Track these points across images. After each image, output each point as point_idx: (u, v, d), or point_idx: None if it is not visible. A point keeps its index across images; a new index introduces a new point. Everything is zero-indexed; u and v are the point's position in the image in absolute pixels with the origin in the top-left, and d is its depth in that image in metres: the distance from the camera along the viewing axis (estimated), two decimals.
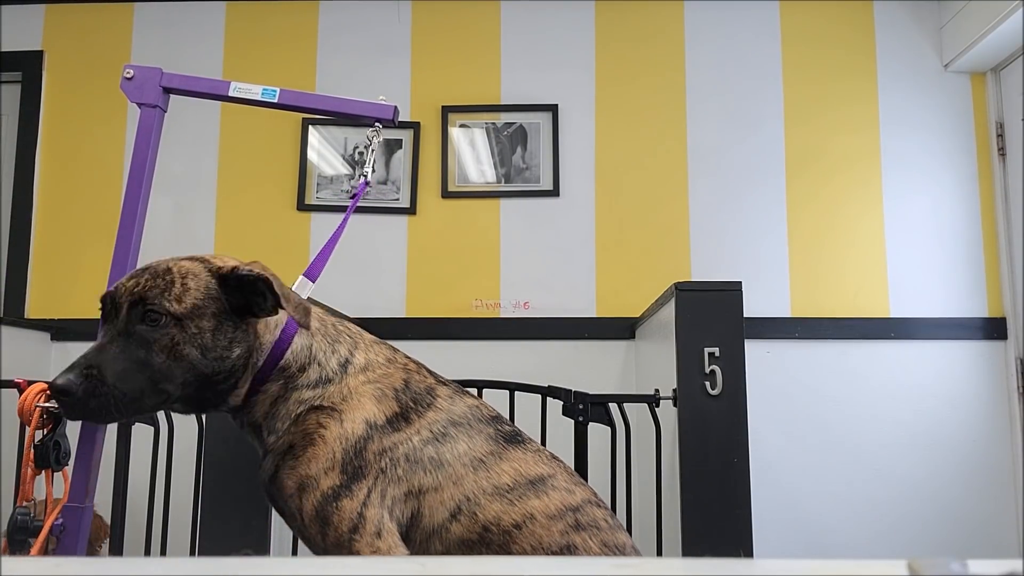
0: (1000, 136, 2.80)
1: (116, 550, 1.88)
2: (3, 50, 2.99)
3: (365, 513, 1.01)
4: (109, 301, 1.06)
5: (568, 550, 1.06)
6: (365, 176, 1.33)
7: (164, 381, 1.02)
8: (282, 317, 1.12)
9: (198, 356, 1.02)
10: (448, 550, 1.03)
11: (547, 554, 1.04)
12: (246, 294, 1.06)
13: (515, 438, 1.14)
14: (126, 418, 1.13)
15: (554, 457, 1.18)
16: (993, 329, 2.75)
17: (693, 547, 1.74)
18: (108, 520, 2.03)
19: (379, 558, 0.98)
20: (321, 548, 1.03)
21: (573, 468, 2.01)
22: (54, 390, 0.99)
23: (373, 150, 1.34)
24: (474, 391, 2.18)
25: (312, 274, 1.29)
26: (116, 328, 1.03)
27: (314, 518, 1.02)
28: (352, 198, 1.32)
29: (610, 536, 1.11)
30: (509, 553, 1.03)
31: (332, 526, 1.01)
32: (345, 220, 1.31)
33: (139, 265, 1.30)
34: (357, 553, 0.99)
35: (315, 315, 1.14)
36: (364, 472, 1.02)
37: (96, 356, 1.00)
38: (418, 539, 1.04)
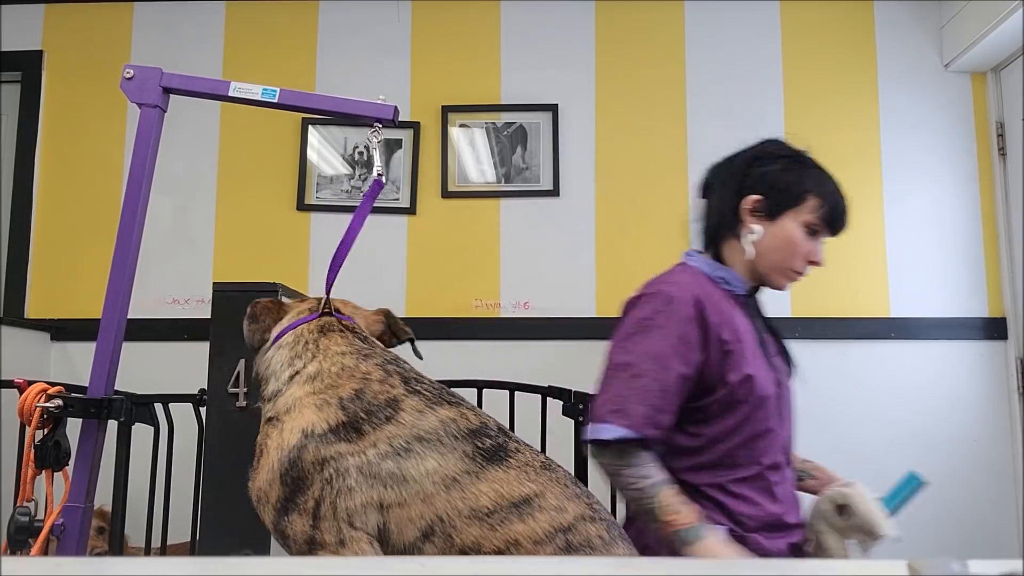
0: (1000, 136, 2.80)
1: (116, 550, 1.88)
2: (3, 50, 2.99)
3: (320, 526, 0.98)
4: None
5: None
6: (380, 176, 1.31)
7: None
8: (277, 330, 1.17)
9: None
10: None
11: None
12: None
13: (497, 454, 1.06)
14: None
15: (546, 467, 1.10)
16: (993, 329, 2.75)
17: None
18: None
19: (379, 558, 0.98)
20: None
21: (573, 469, 2.01)
22: None
23: (375, 149, 1.34)
24: (474, 391, 2.18)
25: (327, 287, 1.30)
26: None
27: (275, 531, 1.02)
28: (366, 197, 1.30)
29: (605, 555, 1.04)
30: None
31: (291, 539, 1.00)
32: (358, 224, 1.30)
33: (138, 266, 1.30)
34: None
35: (299, 331, 1.15)
36: (306, 483, 0.99)
37: None
38: (387, 545, 1.01)
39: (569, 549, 1.01)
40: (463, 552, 0.98)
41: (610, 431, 1.24)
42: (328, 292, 1.27)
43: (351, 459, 1.00)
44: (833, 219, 1.43)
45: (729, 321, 1.35)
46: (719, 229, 1.46)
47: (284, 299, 1.24)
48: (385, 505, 0.99)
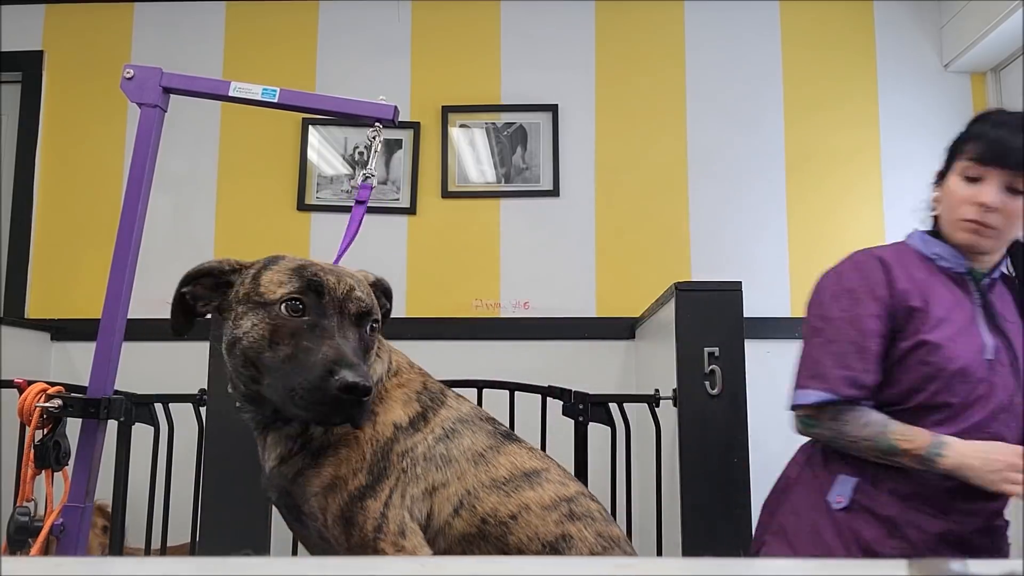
0: None
1: (116, 550, 1.89)
2: (3, 50, 2.99)
3: (387, 513, 1.03)
4: (332, 297, 1.04)
5: (563, 540, 1.08)
6: (368, 178, 1.32)
7: None
8: None
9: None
10: (450, 546, 1.05)
11: (543, 544, 1.07)
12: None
13: (511, 435, 1.19)
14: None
15: (547, 456, 1.21)
16: None
17: (693, 547, 1.74)
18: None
19: (379, 558, 0.98)
20: (344, 548, 1.03)
21: (573, 469, 2.01)
22: (358, 390, 0.93)
23: (376, 151, 1.34)
24: (474, 391, 2.18)
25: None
26: (349, 330, 1.03)
27: (338, 518, 1.03)
28: (358, 203, 1.31)
29: (604, 528, 1.13)
30: (506, 544, 1.05)
31: (357, 526, 1.02)
32: (355, 229, 1.31)
33: (138, 265, 1.30)
34: (381, 553, 1.00)
35: None
36: (387, 472, 1.05)
37: (355, 354, 0.99)
38: (428, 538, 1.06)
39: (572, 516, 1.10)
40: (483, 520, 1.06)
41: (809, 396, 1.34)
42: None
43: (419, 447, 1.08)
44: (989, 154, 1.32)
45: (923, 289, 1.36)
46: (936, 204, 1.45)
47: None
48: (435, 488, 1.07)
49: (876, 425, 1.29)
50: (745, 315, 1.88)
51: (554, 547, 1.07)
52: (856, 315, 1.35)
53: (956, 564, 0.48)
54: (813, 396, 1.34)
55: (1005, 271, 1.44)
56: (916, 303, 1.35)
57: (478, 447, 1.11)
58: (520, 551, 1.05)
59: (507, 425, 1.24)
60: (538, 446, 2.13)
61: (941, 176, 1.43)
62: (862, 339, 1.33)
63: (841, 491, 1.37)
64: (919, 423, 1.31)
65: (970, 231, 1.34)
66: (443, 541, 1.06)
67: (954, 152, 1.40)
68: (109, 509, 2.04)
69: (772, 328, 2.71)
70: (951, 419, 1.32)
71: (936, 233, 1.43)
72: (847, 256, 1.45)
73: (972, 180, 1.34)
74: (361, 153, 2.93)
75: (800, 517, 1.40)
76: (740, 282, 2.04)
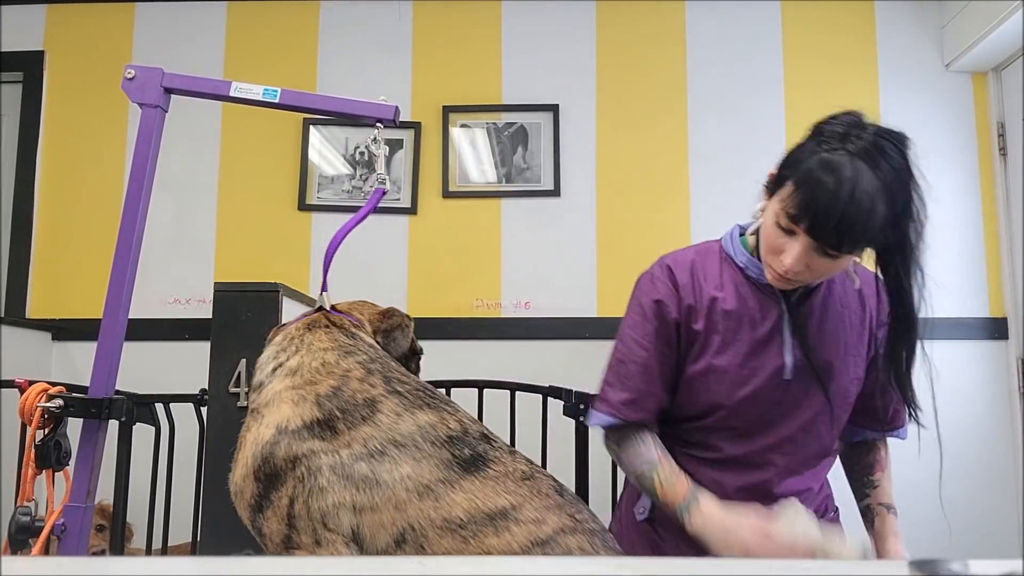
0: (1001, 136, 2.80)
1: (116, 550, 1.89)
2: (4, 50, 2.99)
3: (295, 525, 0.95)
4: None
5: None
6: (382, 183, 1.31)
7: None
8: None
9: None
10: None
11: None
12: None
13: (475, 463, 1.01)
14: None
15: (527, 477, 1.03)
16: (994, 329, 2.75)
17: None
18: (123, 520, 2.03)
19: (378, 558, 0.98)
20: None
21: (574, 469, 2.01)
22: None
23: (378, 155, 1.33)
24: (475, 391, 2.18)
25: (324, 286, 1.29)
26: None
27: (252, 528, 0.99)
28: (368, 203, 1.30)
29: None
30: None
31: (267, 538, 0.97)
32: (353, 224, 1.30)
33: (139, 266, 1.30)
34: None
35: (285, 328, 1.15)
36: (279, 480, 0.97)
37: None
38: (362, 547, 0.97)
39: None
40: None
41: (595, 418, 1.28)
42: (323, 287, 1.28)
43: (324, 457, 0.97)
44: (805, 215, 1.07)
45: (717, 305, 1.25)
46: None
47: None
48: (357, 508, 0.96)
49: (645, 463, 1.21)
50: None
51: None
52: (643, 332, 1.26)
53: (957, 564, 0.48)
54: (595, 419, 1.27)
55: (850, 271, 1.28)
56: (699, 325, 1.24)
57: (424, 479, 0.97)
58: None
59: (492, 430, 1.10)
60: (539, 447, 2.14)
61: (772, 188, 1.21)
62: (647, 359, 1.24)
63: (643, 502, 1.33)
64: (712, 440, 1.26)
65: (775, 279, 1.19)
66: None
67: (778, 183, 1.18)
68: (105, 504, 2.04)
69: None
70: (744, 437, 1.26)
71: (751, 246, 1.29)
72: (658, 259, 1.35)
73: (784, 231, 1.13)
74: (362, 153, 2.93)
75: (621, 526, 1.40)
76: None
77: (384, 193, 1.31)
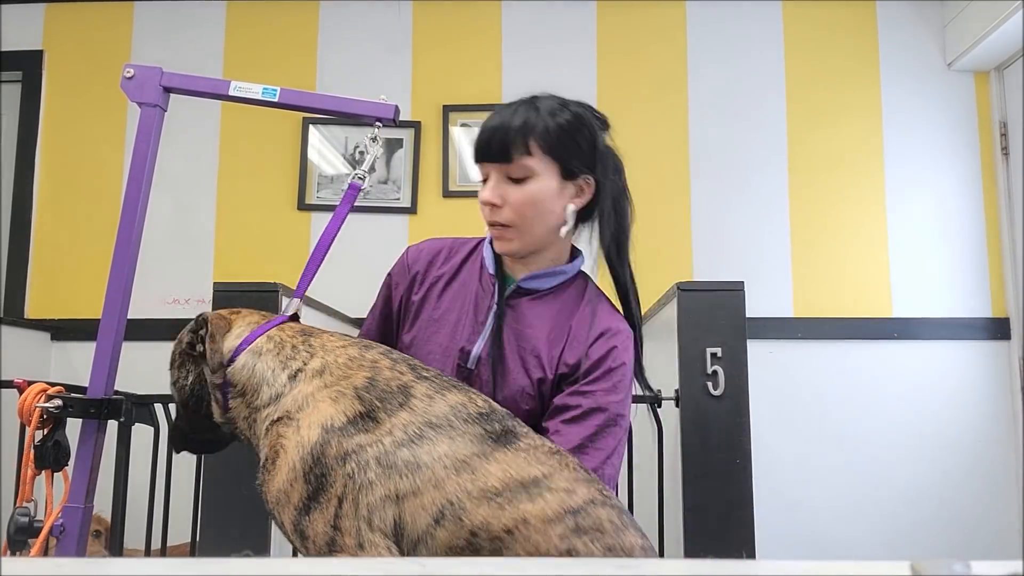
0: (1003, 135, 2.79)
1: (116, 550, 1.88)
2: (3, 49, 2.99)
3: (340, 525, 0.95)
4: None
5: (569, 555, 0.98)
6: (358, 179, 1.29)
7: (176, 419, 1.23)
8: (236, 340, 1.13)
9: (171, 389, 1.19)
10: (436, 552, 0.96)
11: (550, 552, 0.96)
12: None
13: (505, 437, 1.03)
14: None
15: (556, 452, 1.06)
16: (996, 329, 2.74)
17: (695, 548, 1.74)
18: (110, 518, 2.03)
19: (379, 559, 0.97)
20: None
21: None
22: None
23: (372, 154, 1.32)
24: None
25: (298, 293, 1.27)
26: None
27: (294, 532, 0.99)
28: (341, 203, 1.29)
29: (615, 539, 1.01)
30: (508, 551, 0.96)
31: (310, 540, 0.97)
32: (333, 232, 1.29)
33: (138, 265, 1.30)
34: None
35: (272, 336, 1.12)
36: (329, 479, 0.96)
37: None
38: (404, 549, 0.97)
39: (578, 530, 0.98)
40: (472, 533, 0.95)
41: None
42: (301, 296, 1.27)
43: (370, 450, 0.98)
44: (479, 151, 1.22)
45: (438, 284, 1.32)
46: None
47: (218, 311, 1.20)
48: (401, 496, 0.96)
49: None
50: (747, 315, 1.88)
51: (567, 551, 0.97)
52: (373, 305, 1.41)
53: (958, 565, 0.47)
54: None
55: (582, 271, 1.33)
56: (416, 296, 1.32)
57: (460, 454, 0.98)
58: (532, 552, 0.96)
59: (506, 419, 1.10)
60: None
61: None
62: (365, 330, 1.39)
63: None
64: None
65: (495, 237, 1.25)
66: (426, 552, 0.97)
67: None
68: (103, 516, 2.04)
69: (775, 328, 2.71)
70: None
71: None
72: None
73: (484, 182, 1.24)
74: (362, 152, 2.93)
75: None
76: (742, 282, 2.03)
77: (359, 190, 1.29)
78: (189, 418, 1.16)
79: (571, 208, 1.25)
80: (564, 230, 1.25)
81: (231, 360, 1.11)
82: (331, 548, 0.95)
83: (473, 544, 0.96)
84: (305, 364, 1.08)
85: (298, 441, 1.00)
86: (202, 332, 1.12)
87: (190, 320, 1.20)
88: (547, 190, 1.22)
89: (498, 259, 1.30)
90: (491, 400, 1.10)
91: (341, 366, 1.06)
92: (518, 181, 1.20)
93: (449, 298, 1.30)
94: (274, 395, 1.07)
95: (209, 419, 1.14)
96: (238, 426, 1.12)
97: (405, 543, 0.96)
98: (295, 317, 1.25)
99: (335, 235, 1.28)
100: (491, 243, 1.31)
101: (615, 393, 1.22)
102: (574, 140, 1.24)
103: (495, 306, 1.26)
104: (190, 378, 1.15)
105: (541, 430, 1.19)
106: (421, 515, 0.96)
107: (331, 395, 1.02)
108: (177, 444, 1.22)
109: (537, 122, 1.20)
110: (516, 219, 1.21)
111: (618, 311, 1.34)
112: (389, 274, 1.40)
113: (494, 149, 1.20)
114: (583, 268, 1.37)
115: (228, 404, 1.12)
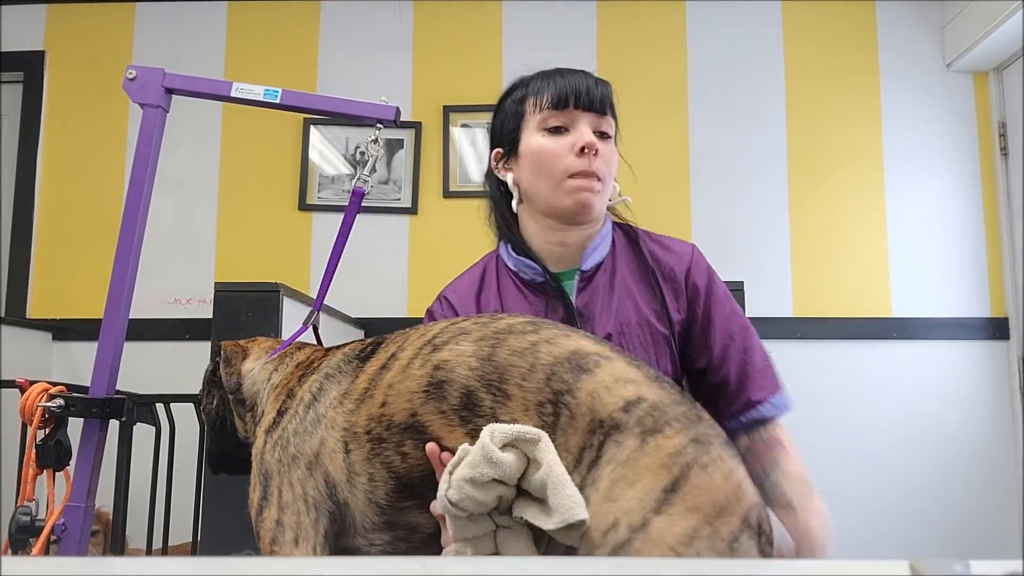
0: (1002, 136, 2.79)
1: (117, 550, 1.89)
2: (5, 50, 2.99)
3: (283, 519, 0.96)
4: None
5: (430, 388, 0.92)
6: (363, 182, 1.30)
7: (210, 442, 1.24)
8: (253, 363, 1.16)
9: (203, 416, 1.21)
10: (370, 471, 0.95)
11: (413, 392, 0.92)
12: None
13: (374, 350, 1.02)
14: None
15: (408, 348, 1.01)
16: (995, 329, 2.74)
17: None
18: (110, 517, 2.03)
19: (378, 559, 0.98)
20: None
21: None
22: None
23: (372, 156, 1.32)
24: None
25: (316, 305, 1.27)
26: None
27: (255, 534, 1.01)
28: (347, 210, 1.29)
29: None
30: (395, 421, 0.93)
31: (260, 540, 0.98)
32: (343, 241, 1.29)
33: (140, 266, 1.30)
34: None
35: (282, 355, 1.15)
36: (270, 474, 0.99)
37: None
38: (342, 496, 0.96)
39: (436, 349, 0.95)
40: (367, 432, 0.94)
41: (784, 404, 1.30)
42: (319, 308, 1.28)
43: (290, 427, 1.01)
44: (572, 97, 1.15)
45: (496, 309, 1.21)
46: (497, 206, 1.28)
47: (241, 343, 1.23)
48: (317, 455, 0.98)
49: None
50: (747, 315, 1.88)
51: (426, 390, 0.93)
52: None
53: (958, 564, 0.47)
54: (784, 405, 1.31)
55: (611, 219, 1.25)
56: None
57: (341, 390, 1.00)
58: (415, 417, 0.92)
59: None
60: None
61: (507, 156, 1.22)
62: None
63: None
64: None
65: (578, 189, 1.13)
66: (359, 480, 0.95)
67: (517, 116, 1.21)
68: (101, 512, 2.04)
69: (774, 328, 2.71)
70: None
71: (517, 244, 1.22)
72: (437, 295, 1.33)
73: (557, 132, 1.15)
74: (363, 153, 2.94)
75: None
76: (742, 282, 2.04)
77: (364, 194, 1.29)
78: (218, 439, 1.19)
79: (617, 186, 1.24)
80: (618, 198, 1.24)
81: (248, 377, 1.16)
82: (273, 546, 0.96)
83: (377, 436, 0.94)
84: (275, 380, 1.12)
85: (255, 452, 1.04)
86: (217, 359, 1.16)
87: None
88: (616, 153, 1.21)
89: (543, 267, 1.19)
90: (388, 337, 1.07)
91: (288, 375, 1.10)
92: (606, 137, 1.17)
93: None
94: (261, 412, 1.12)
95: (235, 437, 1.18)
96: (252, 441, 1.15)
97: (340, 492, 0.96)
98: (315, 328, 1.27)
99: (344, 244, 1.29)
100: (512, 240, 1.23)
101: (737, 310, 1.21)
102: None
103: (563, 305, 1.16)
104: (215, 402, 1.19)
105: (709, 390, 1.17)
106: (335, 458, 0.96)
107: (274, 404, 1.07)
108: (214, 467, 1.23)
109: (607, 85, 1.20)
110: (605, 172, 1.16)
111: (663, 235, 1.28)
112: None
113: (595, 98, 1.16)
114: None
115: (246, 419, 1.16)
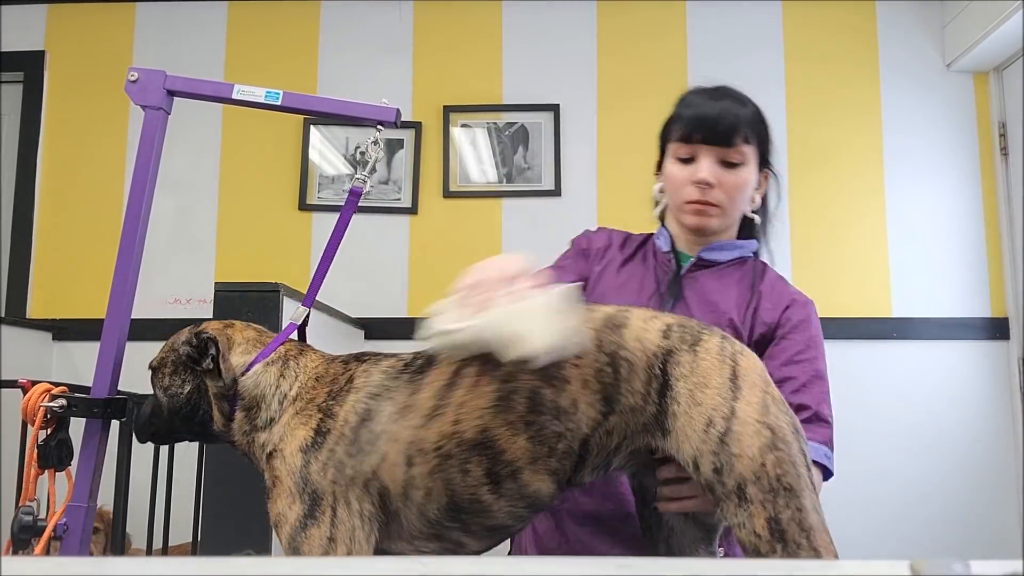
0: (1002, 136, 2.80)
1: (117, 550, 1.89)
2: (5, 50, 2.99)
3: (335, 535, 0.98)
4: None
5: (499, 403, 0.98)
6: (362, 182, 1.30)
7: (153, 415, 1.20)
8: (245, 357, 1.14)
9: (161, 395, 1.18)
10: (429, 486, 0.99)
11: (480, 415, 0.97)
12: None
13: (427, 365, 1.06)
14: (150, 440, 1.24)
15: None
16: (996, 329, 2.75)
17: None
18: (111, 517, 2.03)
19: (379, 558, 0.98)
20: None
21: None
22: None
23: (372, 156, 1.32)
24: None
25: (306, 302, 1.28)
26: None
27: (288, 549, 1.02)
28: (344, 209, 1.29)
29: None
30: (466, 438, 0.97)
31: (303, 555, 1.00)
32: (338, 240, 1.29)
33: (141, 266, 1.30)
34: None
35: (280, 352, 1.14)
36: (320, 493, 1.00)
37: None
38: (394, 506, 1.00)
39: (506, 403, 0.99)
40: (437, 448, 0.98)
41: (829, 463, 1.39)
42: (309, 304, 1.28)
43: (339, 449, 1.01)
44: (695, 131, 1.28)
45: (609, 266, 1.37)
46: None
47: (209, 324, 1.20)
48: (375, 470, 1.00)
49: None
50: None
51: (496, 405, 0.98)
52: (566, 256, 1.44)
53: (958, 564, 0.47)
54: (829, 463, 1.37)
55: (752, 254, 1.37)
56: (597, 268, 1.38)
57: (399, 404, 1.02)
58: (486, 433, 0.97)
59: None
60: None
61: (659, 166, 1.40)
62: (559, 268, 1.40)
63: None
64: None
65: (694, 212, 1.30)
66: (418, 492, 0.99)
67: (665, 138, 1.37)
68: (103, 510, 2.04)
69: None
70: None
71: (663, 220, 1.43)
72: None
73: (685, 161, 1.31)
74: (363, 153, 2.93)
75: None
76: None
77: (360, 194, 1.30)
78: (177, 422, 1.16)
79: (758, 197, 1.35)
80: (752, 214, 1.34)
81: (243, 373, 1.12)
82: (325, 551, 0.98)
83: (446, 453, 0.98)
84: (289, 389, 1.11)
85: (287, 470, 1.04)
86: (212, 352, 1.13)
87: (192, 320, 1.21)
88: (751, 178, 1.30)
89: (673, 242, 1.36)
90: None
91: (308, 388, 1.09)
92: (731, 166, 1.27)
93: (627, 272, 1.36)
94: (268, 419, 1.10)
95: (204, 426, 1.15)
96: (235, 438, 1.13)
97: (395, 502, 1.00)
98: (304, 326, 1.26)
99: (339, 242, 1.29)
100: (662, 222, 1.40)
101: (821, 360, 1.28)
102: (768, 132, 1.33)
103: (670, 281, 1.32)
104: (187, 387, 1.15)
105: None
106: (396, 471, 0.99)
107: (301, 420, 1.07)
108: (146, 437, 1.21)
109: (751, 113, 1.30)
110: (725, 201, 1.29)
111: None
112: (573, 241, 1.45)
113: (719, 132, 1.26)
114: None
115: (233, 415, 1.13)
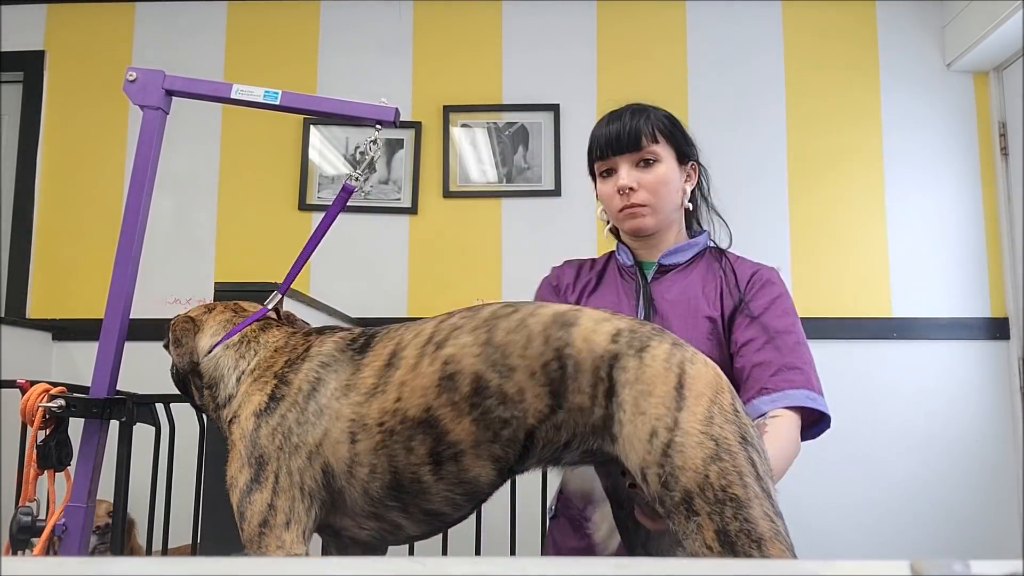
0: (1003, 136, 2.80)
1: (116, 550, 1.89)
2: (4, 50, 2.99)
3: (276, 503, 1.00)
4: None
5: (445, 378, 0.99)
6: (356, 179, 1.30)
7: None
8: (211, 339, 1.18)
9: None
10: (374, 462, 1.00)
11: (426, 388, 0.99)
12: None
13: (366, 346, 1.08)
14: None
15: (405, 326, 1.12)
16: (996, 329, 2.75)
17: None
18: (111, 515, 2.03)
19: (379, 558, 0.98)
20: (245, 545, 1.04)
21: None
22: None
23: (370, 155, 1.32)
24: None
25: (282, 288, 1.28)
26: None
27: (237, 514, 1.04)
28: (333, 203, 1.29)
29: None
30: (411, 415, 0.99)
31: (246, 521, 1.02)
32: (322, 232, 1.29)
33: (140, 266, 1.30)
34: (266, 547, 0.99)
35: (245, 333, 1.17)
36: (266, 458, 1.02)
37: None
38: (339, 484, 1.02)
39: (439, 346, 1.02)
40: (380, 423, 0.99)
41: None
42: (284, 291, 1.28)
43: (290, 416, 1.04)
44: (606, 147, 1.40)
45: (586, 288, 1.46)
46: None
47: (189, 311, 1.25)
48: (318, 443, 1.02)
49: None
50: None
51: (439, 385, 0.99)
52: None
53: (958, 564, 0.47)
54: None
55: (710, 244, 1.47)
56: (571, 298, 1.46)
57: (341, 382, 1.04)
58: (430, 412, 0.98)
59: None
60: None
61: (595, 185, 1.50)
62: None
63: (552, 502, 1.48)
64: None
65: (627, 216, 1.40)
66: (361, 470, 1.01)
67: (590, 164, 1.47)
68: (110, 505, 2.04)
69: None
70: None
71: (620, 239, 1.51)
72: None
73: (609, 175, 1.42)
74: (363, 153, 2.94)
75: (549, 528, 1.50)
76: None
77: (351, 192, 1.30)
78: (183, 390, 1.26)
79: (688, 189, 1.44)
80: (685, 203, 1.44)
81: (206, 355, 1.17)
82: (262, 528, 1.00)
83: (389, 429, 1.00)
84: (248, 365, 1.14)
85: (240, 434, 1.07)
86: (163, 343, 1.19)
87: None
88: (671, 172, 1.40)
89: (634, 254, 1.46)
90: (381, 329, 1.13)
91: (267, 359, 1.12)
92: (648, 165, 1.38)
93: (601, 294, 1.45)
94: (227, 396, 1.14)
95: (191, 399, 1.22)
96: (211, 413, 1.19)
97: (339, 481, 1.02)
98: (277, 310, 1.26)
99: (323, 234, 1.28)
100: (618, 237, 1.49)
101: (788, 316, 1.35)
102: (680, 130, 1.44)
103: (642, 285, 1.41)
104: (174, 369, 1.24)
105: (734, 374, 1.31)
106: (339, 448, 1.02)
107: (258, 387, 1.09)
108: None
109: (654, 115, 1.40)
110: (650, 198, 1.38)
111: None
112: (544, 280, 1.53)
113: (625, 140, 1.38)
114: None
115: (203, 393, 1.18)
